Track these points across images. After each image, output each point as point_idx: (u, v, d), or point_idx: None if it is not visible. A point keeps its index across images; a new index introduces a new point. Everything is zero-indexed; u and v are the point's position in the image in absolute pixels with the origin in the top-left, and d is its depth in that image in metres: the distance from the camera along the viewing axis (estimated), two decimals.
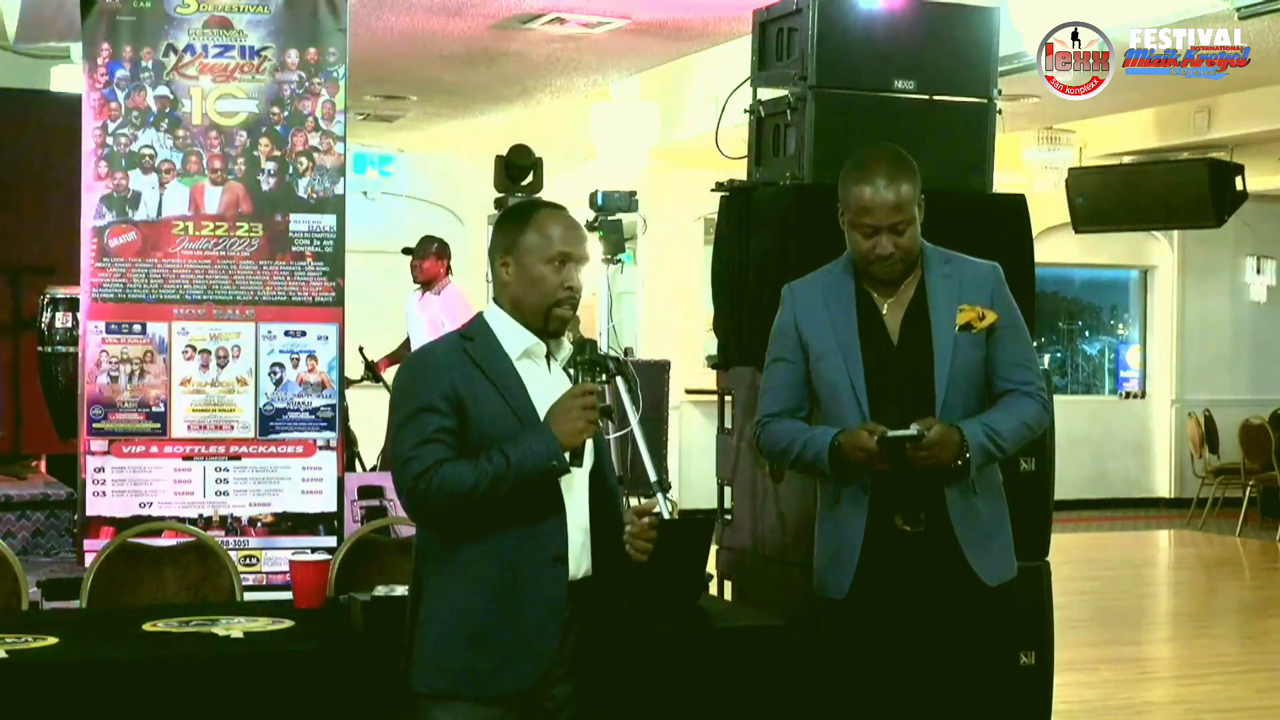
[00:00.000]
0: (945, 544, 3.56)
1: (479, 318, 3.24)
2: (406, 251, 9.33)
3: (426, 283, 9.23)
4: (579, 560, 3.17)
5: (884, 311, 3.65)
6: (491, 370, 3.13)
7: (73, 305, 6.40)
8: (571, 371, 3.22)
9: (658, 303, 13.84)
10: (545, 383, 3.18)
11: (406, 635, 3.18)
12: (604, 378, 7.07)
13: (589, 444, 3.16)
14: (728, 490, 5.17)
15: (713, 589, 4.93)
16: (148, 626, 3.73)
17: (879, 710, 3.60)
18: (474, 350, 3.15)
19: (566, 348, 3.25)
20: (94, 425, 5.85)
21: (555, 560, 3.11)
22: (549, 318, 3.18)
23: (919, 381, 3.59)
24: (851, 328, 3.63)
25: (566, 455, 3.08)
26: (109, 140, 5.89)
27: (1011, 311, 3.70)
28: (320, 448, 5.99)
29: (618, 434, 7.31)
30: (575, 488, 3.17)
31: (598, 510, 3.23)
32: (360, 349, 5.97)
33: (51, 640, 3.52)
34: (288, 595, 4.19)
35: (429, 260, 9.23)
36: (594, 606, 3.19)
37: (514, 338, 3.19)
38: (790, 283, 3.80)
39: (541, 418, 3.11)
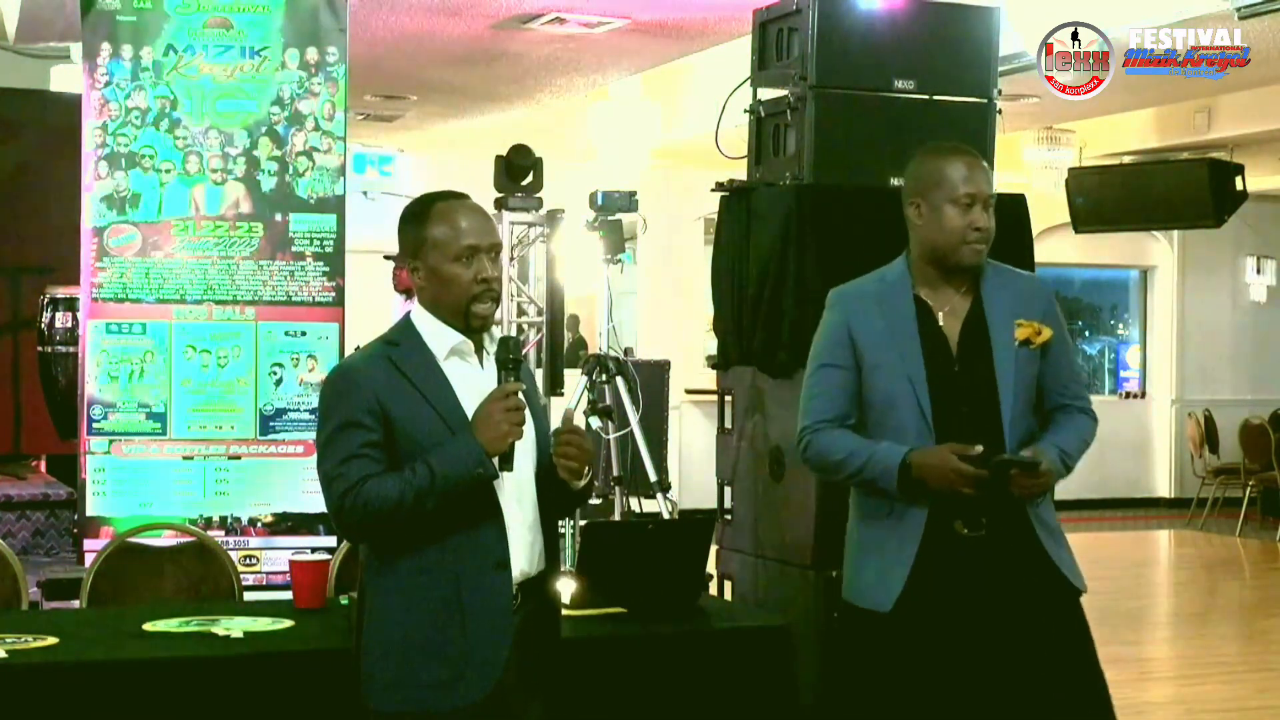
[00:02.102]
0: (1025, 548, 3.46)
1: (405, 319, 3.13)
2: (389, 258, 9.23)
3: (406, 290, 9.18)
4: (530, 561, 3.09)
5: (940, 322, 3.55)
6: (417, 376, 3.03)
7: (73, 305, 6.41)
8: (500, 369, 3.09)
9: (658, 303, 13.83)
10: (477, 380, 3.07)
11: (354, 653, 3.11)
12: (602, 377, 7.09)
13: (530, 440, 3.07)
14: (728, 490, 5.16)
15: (713, 589, 4.93)
16: (148, 626, 3.72)
17: None
18: (398, 356, 3.05)
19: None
20: (94, 425, 5.85)
21: (497, 566, 3.02)
22: (469, 315, 3.07)
23: (982, 395, 3.50)
24: (912, 337, 3.52)
25: (496, 460, 2.98)
26: (109, 140, 5.89)
27: (1062, 326, 3.64)
28: None
29: (618, 434, 7.31)
30: (515, 489, 3.07)
31: (548, 506, 3.14)
32: (358, 348, 5.99)
33: (51, 640, 3.52)
34: (288, 595, 4.19)
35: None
36: (545, 604, 3.13)
37: (440, 338, 3.08)
38: (838, 288, 3.67)
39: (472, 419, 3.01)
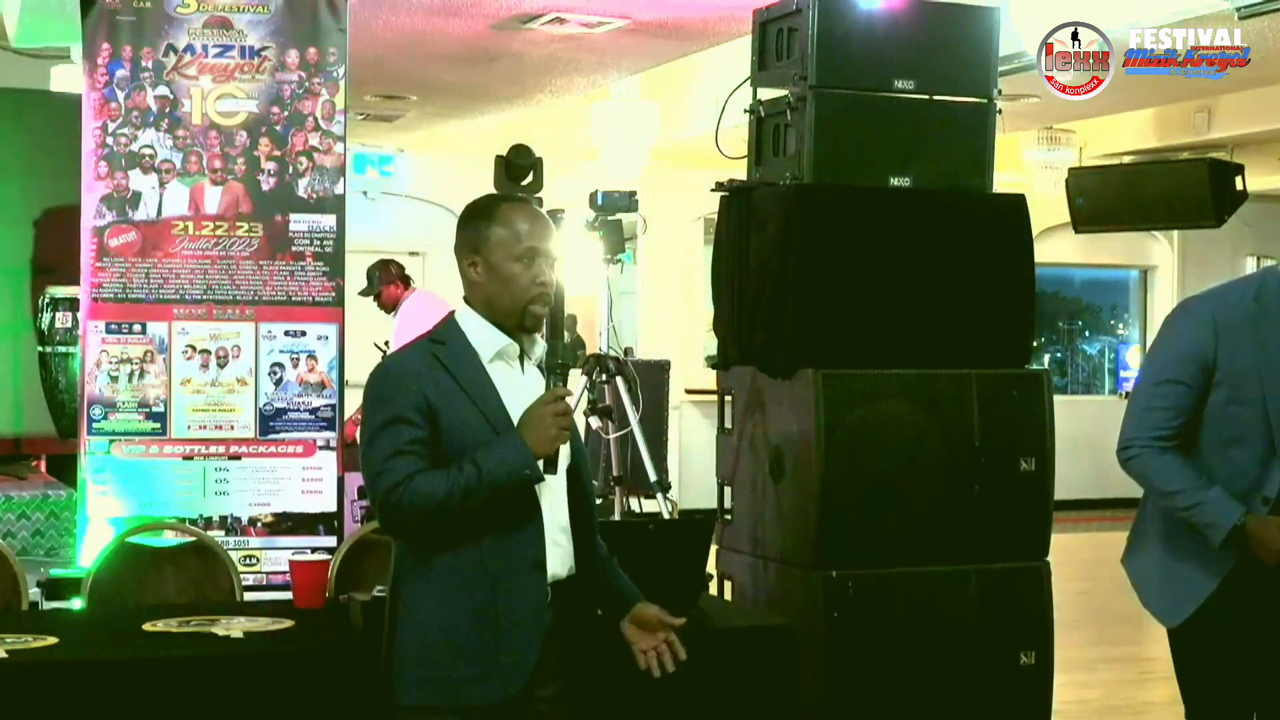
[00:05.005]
0: None
1: (450, 319, 3.18)
2: (365, 293, 9.20)
3: (395, 306, 9.23)
4: (561, 562, 3.14)
5: None
6: (464, 376, 3.08)
7: (73, 305, 6.40)
8: (544, 374, 3.16)
9: (658, 303, 13.84)
10: (519, 384, 3.14)
11: (385, 647, 3.14)
12: (602, 377, 7.09)
13: (563, 446, 3.12)
14: (728, 490, 5.16)
15: (713, 589, 4.93)
16: (148, 626, 3.73)
17: None
18: (445, 355, 3.10)
19: (540, 345, 3.19)
20: (94, 425, 5.85)
21: (534, 566, 3.08)
22: (525, 315, 3.14)
23: None
24: None
25: (540, 463, 3.03)
26: (109, 140, 5.89)
27: None
28: (320, 448, 5.98)
29: (618, 434, 7.31)
30: (552, 491, 3.12)
31: (576, 509, 3.20)
32: (385, 343, 5.97)
33: (51, 640, 3.52)
34: (288, 595, 4.19)
35: (389, 288, 9.19)
36: (572, 607, 3.17)
37: (486, 339, 3.14)
38: (1211, 306, 3.51)
39: (515, 422, 3.06)
